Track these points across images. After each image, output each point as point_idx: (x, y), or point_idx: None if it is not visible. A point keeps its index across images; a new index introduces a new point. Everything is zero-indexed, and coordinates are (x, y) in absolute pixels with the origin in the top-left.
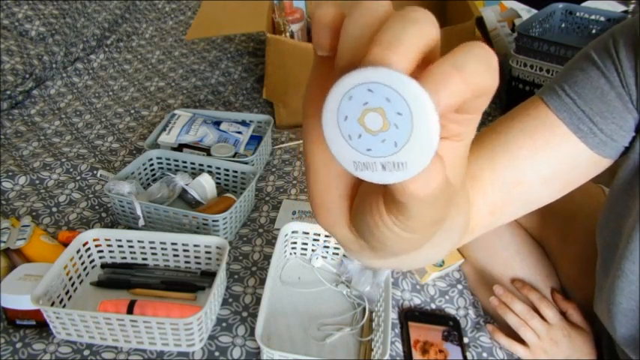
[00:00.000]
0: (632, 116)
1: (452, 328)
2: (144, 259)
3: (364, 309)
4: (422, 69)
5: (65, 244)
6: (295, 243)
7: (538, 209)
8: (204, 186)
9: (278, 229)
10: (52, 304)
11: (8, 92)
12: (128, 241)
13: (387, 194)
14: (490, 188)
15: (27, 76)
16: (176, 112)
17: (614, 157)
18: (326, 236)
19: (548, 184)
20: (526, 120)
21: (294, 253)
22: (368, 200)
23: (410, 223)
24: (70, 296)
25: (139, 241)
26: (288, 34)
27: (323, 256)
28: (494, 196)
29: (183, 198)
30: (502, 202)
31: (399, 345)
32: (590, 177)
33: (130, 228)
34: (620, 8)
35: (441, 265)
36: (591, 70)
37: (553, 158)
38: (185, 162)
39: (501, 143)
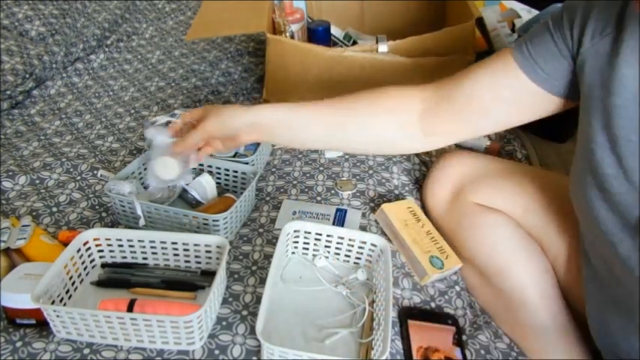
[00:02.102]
0: (567, 62)
1: (451, 327)
2: (144, 258)
3: (364, 309)
4: None
5: (65, 244)
6: (297, 242)
7: (535, 206)
8: (205, 186)
9: (278, 229)
10: (52, 303)
11: (8, 92)
12: (128, 240)
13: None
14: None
15: (27, 76)
16: (176, 112)
17: (560, 95)
18: (328, 236)
19: (501, 104)
20: (493, 63)
21: (296, 252)
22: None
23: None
24: (71, 295)
25: (139, 241)
26: (288, 34)
27: (325, 256)
28: (455, 105)
29: (184, 198)
30: (462, 110)
31: (399, 343)
32: (547, 111)
33: (130, 228)
34: None
35: (441, 268)
36: (545, 31)
37: (504, 84)
38: None
39: (471, 73)
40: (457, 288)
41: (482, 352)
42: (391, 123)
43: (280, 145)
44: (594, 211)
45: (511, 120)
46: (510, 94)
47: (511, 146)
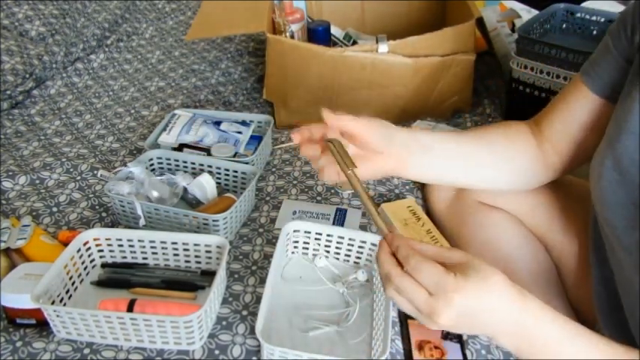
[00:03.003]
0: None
1: None
2: (144, 258)
3: (356, 309)
4: None
5: (65, 244)
6: (297, 242)
7: (539, 204)
8: (205, 186)
9: (278, 229)
10: (53, 303)
11: (8, 92)
12: (128, 240)
13: None
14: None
15: (27, 76)
16: (176, 112)
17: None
18: (328, 236)
19: (585, 129)
20: (567, 92)
21: (296, 252)
22: None
23: None
24: (71, 295)
25: (139, 241)
26: (288, 34)
27: (325, 256)
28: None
29: (184, 198)
30: (560, 143)
31: (399, 343)
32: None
33: (130, 228)
34: (620, 8)
35: None
36: (606, 53)
37: (584, 111)
38: (185, 162)
39: (552, 110)
40: None
41: (483, 352)
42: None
43: (428, 181)
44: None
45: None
46: (591, 118)
47: None
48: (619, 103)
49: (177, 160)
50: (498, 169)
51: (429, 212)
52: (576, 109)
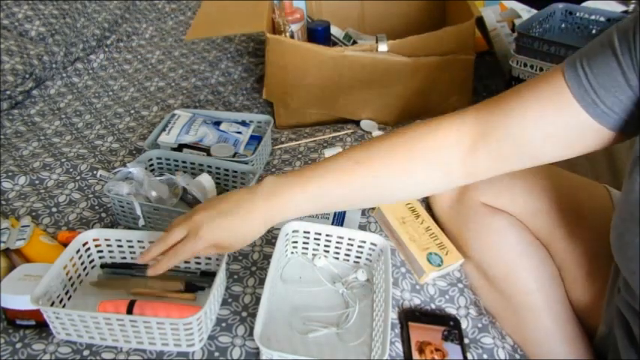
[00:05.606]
0: (632, 93)
1: (452, 328)
2: None
3: (355, 310)
4: None
5: (65, 245)
6: (296, 242)
7: (544, 208)
8: (204, 186)
9: (278, 229)
10: (52, 304)
11: (8, 92)
12: (128, 241)
13: None
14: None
15: (27, 76)
16: (176, 112)
17: (616, 130)
18: (327, 236)
19: (552, 142)
20: (543, 86)
21: (295, 252)
22: None
23: None
24: (70, 296)
25: (138, 241)
26: (288, 34)
27: (325, 256)
28: (501, 148)
29: (183, 198)
30: (509, 153)
31: (399, 345)
32: (597, 146)
33: (129, 228)
34: (620, 8)
35: (439, 265)
36: (607, 49)
37: (558, 121)
38: (185, 162)
39: (517, 104)
40: (460, 285)
41: (485, 356)
42: (432, 177)
43: None
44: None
45: (558, 156)
46: (563, 132)
47: None
48: None
49: (176, 161)
50: (388, 197)
51: (431, 212)
52: (555, 121)
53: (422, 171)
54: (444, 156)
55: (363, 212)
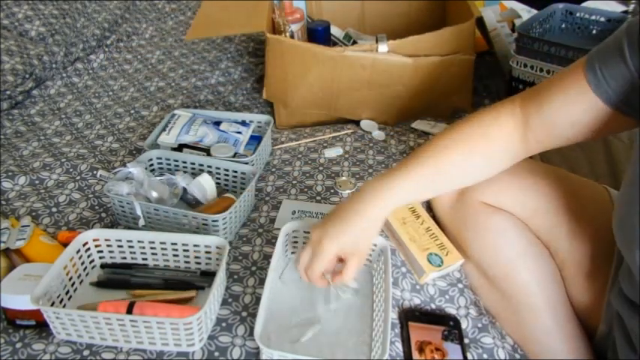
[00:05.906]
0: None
1: (452, 328)
2: (144, 259)
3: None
4: None
5: (65, 245)
6: (296, 242)
7: (545, 207)
8: (204, 186)
9: (278, 229)
10: (52, 304)
11: (8, 92)
12: (128, 241)
13: None
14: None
15: (27, 76)
16: (176, 112)
17: (629, 115)
18: None
19: (576, 127)
20: (568, 85)
21: (296, 252)
22: None
23: None
24: (70, 296)
25: (138, 241)
26: (288, 34)
27: None
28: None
29: (183, 198)
30: (544, 135)
31: (399, 345)
32: (617, 130)
33: (129, 228)
34: (620, 8)
35: (440, 265)
36: (617, 56)
37: (583, 113)
38: (185, 162)
39: (547, 99)
40: (460, 285)
41: (485, 355)
42: (501, 157)
43: None
44: None
45: (587, 138)
46: (587, 118)
47: None
48: None
49: (176, 161)
50: (478, 175)
51: (431, 211)
52: (577, 111)
53: (496, 152)
54: (509, 140)
55: None
